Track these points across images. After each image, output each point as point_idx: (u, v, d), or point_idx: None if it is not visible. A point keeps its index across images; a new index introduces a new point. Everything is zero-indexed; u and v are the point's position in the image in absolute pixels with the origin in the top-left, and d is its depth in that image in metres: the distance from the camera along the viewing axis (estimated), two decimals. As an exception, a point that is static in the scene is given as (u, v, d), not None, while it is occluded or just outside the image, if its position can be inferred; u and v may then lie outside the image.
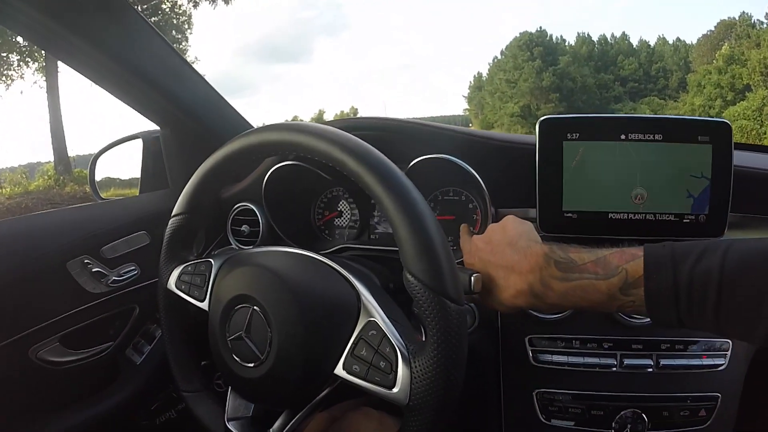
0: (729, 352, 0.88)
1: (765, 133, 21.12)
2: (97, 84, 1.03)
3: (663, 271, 0.58)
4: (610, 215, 0.90)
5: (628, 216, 0.89)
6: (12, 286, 0.92)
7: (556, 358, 0.92)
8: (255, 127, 1.23)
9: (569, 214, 0.91)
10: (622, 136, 0.88)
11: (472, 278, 0.69)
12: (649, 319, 0.64)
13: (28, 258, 0.95)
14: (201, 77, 1.13)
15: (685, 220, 0.88)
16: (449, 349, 0.56)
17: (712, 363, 0.88)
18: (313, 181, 1.11)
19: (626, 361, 0.89)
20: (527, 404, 0.94)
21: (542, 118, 0.90)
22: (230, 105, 1.24)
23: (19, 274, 0.93)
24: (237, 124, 1.27)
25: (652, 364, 0.89)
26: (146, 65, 1.02)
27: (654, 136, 0.87)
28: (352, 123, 1.06)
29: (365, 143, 0.63)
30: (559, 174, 0.90)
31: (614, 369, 0.90)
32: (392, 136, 1.04)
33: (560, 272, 0.64)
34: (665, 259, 0.59)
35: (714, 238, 0.82)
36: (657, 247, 0.61)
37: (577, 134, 0.88)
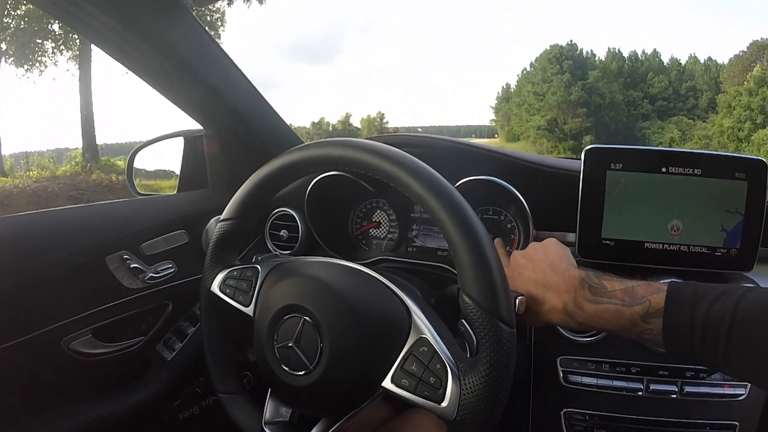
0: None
1: (795, 157, 20.79)
2: (145, 81, 1.04)
3: (682, 307, 0.63)
4: (646, 245, 0.92)
5: (663, 246, 0.91)
6: (51, 277, 0.94)
7: (585, 379, 0.94)
8: (297, 135, 1.26)
9: (607, 242, 0.92)
10: (663, 169, 0.90)
11: (517, 300, 0.70)
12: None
13: (69, 250, 0.97)
14: (250, 82, 1.14)
15: (716, 253, 0.90)
16: (500, 369, 0.58)
17: (733, 392, 0.89)
18: (354, 191, 1.13)
19: (652, 386, 0.91)
20: (554, 423, 0.96)
21: (588, 147, 0.92)
22: (277, 113, 1.24)
23: (60, 265, 0.95)
24: (283, 133, 1.28)
25: (677, 390, 0.90)
26: (196, 64, 1.03)
27: (693, 171, 0.89)
28: (402, 140, 1.08)
29: (429, 167, 0.65)
30: (600, 202, 0.92)
31: (640, 393, 0.91)
32: (438, 154, 1.05)
33: (592, 295, 0.70)
34: (686, 296, 0.63)
35: (735, 284, 0.82)
36: (681, 284, 0.66)
37: (621, 164, 0.90)
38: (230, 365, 0.83)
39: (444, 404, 0.58)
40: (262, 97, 1.19)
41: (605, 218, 0.92)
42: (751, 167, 0.87)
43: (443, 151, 1.07)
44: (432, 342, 0.62)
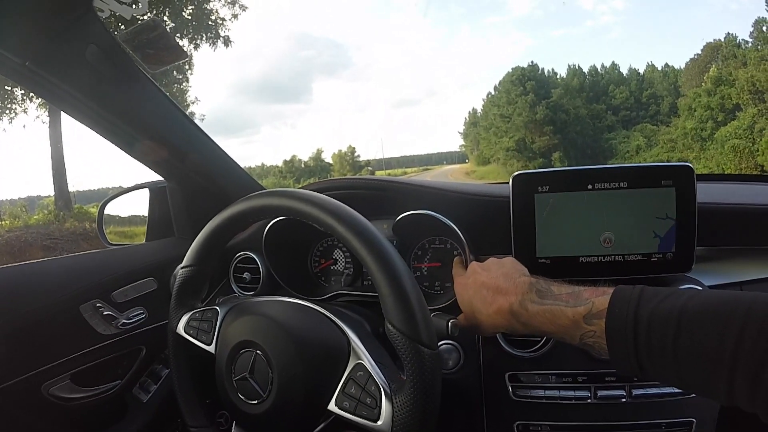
0: None
1: (757, 151, 21.00)
2: (106, 139, 1.10)
3: (627, 306, 0.60)
4: (580, 259, 0.96)
5: (597, 258, 0.95)
6: (29, 326, 0.98)
7: (533, 392, 0.97)
8: (256, 180, 1.33)
9: (543, 260, 0.97)
10: (589, 186, 0.94)
11: (450, 323, 0.78)
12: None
13: (45, 300, 1.02)
14: (206, 135, 1.20)
15: (653, 259, 0.94)
16: (424, 387, 0.65)
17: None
18: (310, 232, 1.17)
19: (600, 393, 0.94)
20: None
21: (515, 174, 0.97)
22: (235, 162, 1.31)
23: (36, 315, 1.00)
24: (241, 180, 1.35)
25: (625, 394, 0.93)
26: (154, 124, 1.10)
27: (619, 184, 0.93)
28: (348, 183, 1.15)
29: (353, 211, 0.73)
30: (531, 224, 0.96)
31: (589, 400, 0.95)
32: (382, 194, 1.12)
33: (538, 297, 0.71)
34: (632, 297, 0.61)
35: (684, 288, 0.88)
36: (628, 287, 0.64)
37: (548, 187, 0.95)
38: (198, 400, 0.88)
39: (380, 422, 0.65)
40: (220, 148, 1.25)
41: (538, 238, 0.96)
42: (678, 173, 0.91)
43: (383, 190, 1.12)
44: (368, 366, 0.70)
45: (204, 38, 18.03)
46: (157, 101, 1.09)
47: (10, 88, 16.17)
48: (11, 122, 17.05)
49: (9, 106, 16.77)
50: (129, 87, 1.02)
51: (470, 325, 0.81)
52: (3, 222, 14.83)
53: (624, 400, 0.93)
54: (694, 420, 0.93)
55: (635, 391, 0.93)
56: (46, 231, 13.14)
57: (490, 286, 0.77)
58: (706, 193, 0.94)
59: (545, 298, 0.70)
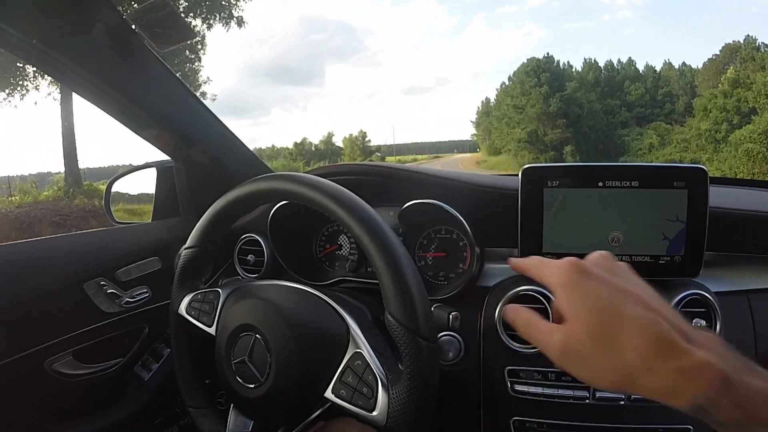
0: None
1: (772, 156, 20.91)
2: (114, 118, 1.10)
3: None
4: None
5: None
6: (33, 303, 0.99)
7: (532, 389, 0.96)
8: (263, 163, 1.32)
9: (549, 256, 0.94)
10: (600, 183, 0.92)
11: (451, 316, 0.78)
12: None
13: (49, 277, 1.03)
14: (215, 116, 1.20)
15: (660, 261, 0.92)
16: (421, 379, 0.65)
17: (684, 396, 0.92)
18: (316, 216, 1.16)
19: (599, 394, 0.93)
20: (505, 431, 1.00)
21: (524, 167, 0.95)
22: (243, 143, 1.31)
23: (41, 292, 1.01)
24: (248, 162, 1.35)
25: (624, 397, 0.92)
26: (161, 105, 1.10)
27: (630, 183, 0.91)
28: (355, 169, 1.13)
29: (357, 198, 0.73)
30: (539, 218, 0.95)
31: (587, 401, 0.93)
32: (389, 181, 1.10)
33: (746, 368, 0.44)
34: None
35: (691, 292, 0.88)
36: None
37: (557, 182, 0.93)
38: (197, 381, 0.89)
39: (375, 412, 0.65)
40: (228, 129, 1.25)
41: (545, 233, 0.95)
42: (691, 175, 0.89)
43: (390, 177, 1.11)
44: (366, 356, 0.69)
45: (217, 18, 17.93)
46: (165, 81, 1.09)
47: (22, 65, 16.23)
48: (23, 99, 17.15)
49: (21, 83, 16.86)
50: (136, 66, 1.02)
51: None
52: (13, 198, 14.97)
53: (622, 402, 0.92)
54: (691, 427, 0.92)
55: (634, 395, 0.92)
56: (55, 207, 13.22)
57: (635, 297, 0.49)
58: (717, 197, 0.92)
59: (757, 372, 0.44)
